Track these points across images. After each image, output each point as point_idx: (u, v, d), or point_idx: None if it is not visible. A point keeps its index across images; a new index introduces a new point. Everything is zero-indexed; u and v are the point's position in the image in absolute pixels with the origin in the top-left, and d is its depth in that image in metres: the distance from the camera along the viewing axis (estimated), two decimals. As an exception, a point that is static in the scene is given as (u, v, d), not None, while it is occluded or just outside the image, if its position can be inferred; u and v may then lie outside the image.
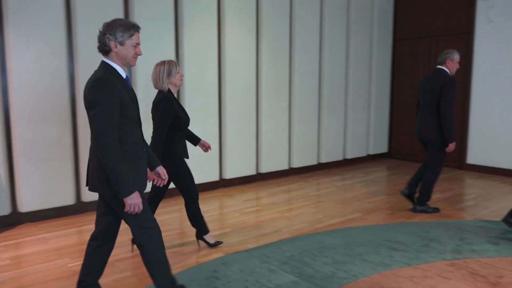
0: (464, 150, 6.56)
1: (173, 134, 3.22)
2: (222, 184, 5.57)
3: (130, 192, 2.20)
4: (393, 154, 7.63)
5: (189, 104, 5.05)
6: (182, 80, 3.30)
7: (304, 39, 6.11)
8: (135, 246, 3.38)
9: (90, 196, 4.44)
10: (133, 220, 2.31)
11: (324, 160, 6.60)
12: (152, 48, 4.68)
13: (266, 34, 5.68)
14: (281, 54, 5.91)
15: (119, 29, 2.26)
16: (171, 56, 4.87)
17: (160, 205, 4.80)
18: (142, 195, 2.31)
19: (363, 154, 7.23)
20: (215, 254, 3.41)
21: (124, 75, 2.34)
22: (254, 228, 4.02)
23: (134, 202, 2.22)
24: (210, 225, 4.05)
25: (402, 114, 7.46)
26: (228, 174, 5.55)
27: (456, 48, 6.56)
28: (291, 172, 6.27)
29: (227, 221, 4.25)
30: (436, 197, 5.04)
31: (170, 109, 3.13)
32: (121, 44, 2.27)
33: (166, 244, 3.64)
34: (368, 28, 6.98)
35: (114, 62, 2.31)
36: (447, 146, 4.21)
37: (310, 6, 6.12)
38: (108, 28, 2.27)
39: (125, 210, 2.24)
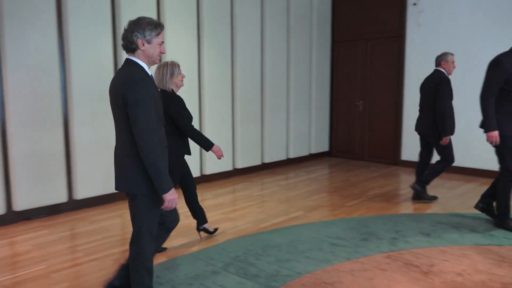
0: (399, 147, 6.92)
1: (178, 132, 3.38)
2: (166, 187, 5.46)
3: (169, 189, 2.28)
4: (333, 153, 7.89)
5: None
6: (183, 80, 3.44)
7: (246, 41, 6.15)
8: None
9: (23, 204, 4.19)
10: (142, 225, 2.37)
11: (267, 160, 6.69)
12: (86, 49, 4.51)
13: (208, 36, 5.66)
14: (223, 56, 5.91)
15: (148, 27, 2.27)
16: (109, 58, 4.72)
17: (101, 210, 4.64)
18: None
19: (305, 153, 7.41)
20: (158, 259, 3.35)
21: (149, 73, 2.34)
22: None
23: (173, 197, 2.30)
24: (153, 230, 3.98)
25: (341, 114, 7.73)
26: (172, 177, 5.46)
27: (389, 50, 6.95)
28: (236, 173, 6.29)
29: (171, 225, 4.17)
30: (374, 193, 5.28)
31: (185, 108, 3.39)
32: (149, 42, 2.28)
33: (106, 252, 3.52)
34: (307, 30, 7.16)
35: (141, 60, 2.32)
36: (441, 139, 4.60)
37: (251, 8, 6.18)
38: (136, 26, 2.26)
39: (164, 206, 2.31)
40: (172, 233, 3.91)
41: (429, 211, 4.53)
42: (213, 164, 5.89)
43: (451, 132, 4.60)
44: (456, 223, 4.10)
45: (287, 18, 6.78)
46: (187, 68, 5.49)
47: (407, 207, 4.69)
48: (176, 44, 5.33)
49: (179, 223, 4.19)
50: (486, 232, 3.84)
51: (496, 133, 3.75)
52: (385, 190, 5.45)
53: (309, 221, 4.23)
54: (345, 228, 3.98)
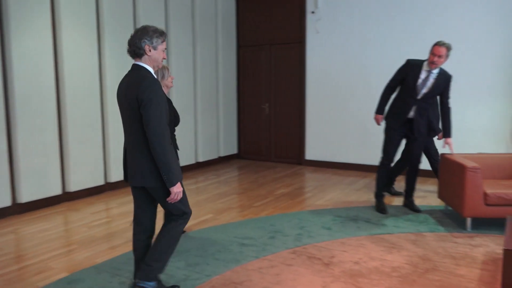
0: (303, 147, 7.29)
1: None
2: (66, 198, 5.14)
3: (177, 182, 2.47)
4: (242, 155, 8.04)
5: (21, 111, 4.54)
6: (172, 82, 3.55)
7: (150, 43, 6.02)
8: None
9: None
10: (173, 206, 2.58)
11: (176, 164, 6.60)
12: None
13: (109, 38, 5.43)
14: (126, 58, 5.70)
15: (155, 35, 2.49)
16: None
17: (-11, 228, 4.22)
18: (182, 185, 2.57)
19: (214, 156, 7.46)
20: (59, 274, 3.14)
21: (155, 76, 2.53)
22: (103, 241, 3.82)
23: (178, 190, 2.49)
24: (51, 244, 3.73)
25: (249, 116, 7.92)
26: (73, 187, 5.15)
27: (291, 55, 7.27)
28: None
29: (72, 238, 3.94)
30: (280, 192, 5.50)
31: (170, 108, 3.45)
32: (155, 48, 2.50)
33: (1, 271, 3.22)
34: (213, 34, 7.22)
35: (147, 65, 2.52)
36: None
37: (155, 10, 6.07)
38: (144, 33, 2.48)
39: (169, 198, 2.50)
40: (74, 246, 3.71)
41: (330, 206, 4.84)
42: (118, 171, 5.67)
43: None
44: (354, 216, 4.43)
45: (192, 21, 6.77)
46: (87, 71, 5.23)
47: (311, 204, 4.96)
48: (73, 45, 5.04)
49: (82, 236, 3.99)
50: (379, 223, 4.21)
51: (378, 116, 4.53)
52: (290, 189, 5.69)
53: (219, 223, 4.28)
54: (253, 228, 4.09)
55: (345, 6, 6.62)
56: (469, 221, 3.96)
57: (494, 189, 3.87)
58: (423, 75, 4.20)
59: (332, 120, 6.93)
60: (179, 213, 2.65)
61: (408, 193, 4.65)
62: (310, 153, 7.23)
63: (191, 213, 2.72)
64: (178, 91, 6.55)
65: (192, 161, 6.97)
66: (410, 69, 4.26)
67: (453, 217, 4.35)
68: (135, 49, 2.50)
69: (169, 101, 3.53)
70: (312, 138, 7.18)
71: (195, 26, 6.82)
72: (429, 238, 3.77)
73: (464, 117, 5.88)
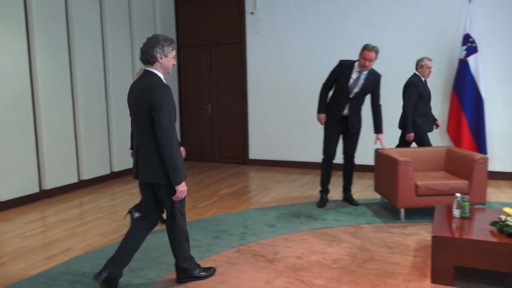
0: (246, 146, 7.35)
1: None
2: (-3, 208, 4.83)
3: (182, 181, 2.65)
4: (186, 156, 7.94)
5: None
6: None
7: (85, 45, 5.80)
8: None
9: None
10: (174, 206, 2.78)
11: (117, 168, 6.42)
12: None
13: (40, 38, 5.17)
14: (59, 59, 5.47)
15: (165, 43, 2.67)
16: None
17: None
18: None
19: (157, 158, 7.31)
20: (-11, 289, 2.96)
21: (165, 82, 2.69)
22: (39, 252, 3.63)
23: (183, 189, 2.68)
24: (-19, 258, 3.50)
25: (191, 117, 7.85)
26: (3, 196, 4.85)
27: (232, 56, 7.30)
28: (82, 185, 5.89)
29: (4, 250, 3.71)
30: (225, 192, 5.51)
31: None
32: (166, 56, 2.68)
33: None
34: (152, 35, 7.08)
35: (158, 71, 2.70)
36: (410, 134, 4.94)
37: (88, 11, 5.85)
38: (155, 42, 2.66)
39: (175, 196, 2.68)
40: (6, 258, 3.50)
41: (274, 204, 4.92)
42: (55, 177, 5.41)
43: (410, 130, 4.91)
44: (297, 212, 4.54)
45: (129, 21, 6.60)
46: (16, 73, 4.94)
47: (255, 203, 5.02)
48: (0, 46, 4.75)
49: (14, 247, 3.77)
50: (320, 217, 4.34)
51: (320, 116, 4.65)
52: (235, 189, 5.72)
53: (162, 227, 4.21)
54: (197, 229, 4.07)
55: (283, 6, 6.76)
56: (402, 211, 4.20)
57: (424, 180, 4.13)
58: (354, 75, 4.40)
59: (274, 119, 7.05)
60: (176, 213, 2.81)
61: (346, 188, 4.84)
62: (254, 153, 7.31)
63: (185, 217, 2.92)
64: (117, 93, 6.36)
65: (134, 165, 6.79)
66: (343, 69, 4.45)
67: (388, 208, 4.58)
68: (148, 56, 2.68)
69: None
70: (255, 138, 7.25)
71: (133, 27, 6.66)
72: (366, 230, 3.95)
73: (396, 113, 6.20)
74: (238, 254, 3.47)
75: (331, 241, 3.69)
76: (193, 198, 5.28)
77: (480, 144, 5.60)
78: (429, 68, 4.89)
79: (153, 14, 7.11)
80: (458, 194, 3.23)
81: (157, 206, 2.90)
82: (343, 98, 4.48)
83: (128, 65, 6.56)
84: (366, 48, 4.26)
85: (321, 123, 4.66)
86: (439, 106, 5.98)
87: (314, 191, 5.40)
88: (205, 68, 7.61)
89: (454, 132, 5.72)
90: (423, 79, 4.92)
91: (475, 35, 5.52)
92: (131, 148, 3.62)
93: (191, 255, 3.00)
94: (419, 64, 4.92)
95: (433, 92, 5.98)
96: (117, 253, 2.83)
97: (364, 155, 6.14)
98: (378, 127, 4.58)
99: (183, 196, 2.71)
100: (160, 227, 3.75)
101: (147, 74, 2.70)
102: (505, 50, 5.59)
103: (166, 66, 2.71)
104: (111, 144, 6.33)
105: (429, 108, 5.00)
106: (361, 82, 4.41)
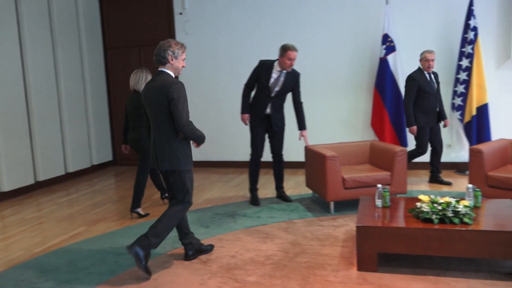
0: (181, 149, 7.25)
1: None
2: None
3: (204, 139, 3.22)
4: (118, 161, 7.71)
5: None
6: None
7: (0, 45, 5.43)
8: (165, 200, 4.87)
9: None
10: (181, 190, 3.17)
11: (42, 177, 6.07)
12: None
13: None
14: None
15: (176, 47, 3.05)
16: None
17: None
18: None
19: (87, 165, 7.02)
20: None
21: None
22: (-47, 272, 3.35)
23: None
24: None
25: (123, 121, 7.59)
26: None
27: (162, 57, 7.15)
28: (2, 197, 5.50)
29: None
30: (158, 196, 5.41)
31: None
32: (176, 58, 3.05)
33: None
34: (75, 36, 6.78)
35: (170, 71, 3.07)
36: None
37: (2, 8, 5.47)
38: (168, 45, 3.03)
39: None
40: None
41: (209, 205, 4.92)
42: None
43: (410, 123, 5.12)
44: (231, 212, 4.57)
45: (49, 21, 6.26)
46: None
47: (190, 205, 4.97)
48: None
49: None
50: (254, 216, 4.41)
51: (244, 116, 4.67)
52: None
53: (92, 236, 4.05)
54: (130, 236, 3.96)
55: (212, 7, 6.76)
56: (332, 204, 4.38)
57: (350, 174, 4.33)
58: (275, 74, 4.50)
59: (208, 119, 7.03)
60: (182, 199, 3.18)
61: (278, 185, 4.94)
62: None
63: (191, 203, 3.26)
64: (38, 97, 6.01)
65: (61, 172, 6.47)
66: (263, 69, 4.53)
67: (319, 202, 4.76)
68: (160, 58, 3.05)
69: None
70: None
71: (53, 26, 6.33)
72: (299, 225, 4.08)
73: (323, 110, 6.46)
74: (172, 258, 3.43)
75: (264, 238, 3.76)
76: (126, 204, 5.13)
77: (401, 137, 5.98)
78: (428, 61, 4.98)
79: (76, 13, 6.80)
80: (379, 185, 3.43)
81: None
82: (265, 97, 4.55)
83: (50, 67, 6.23)
84: (289, 48, 4.36)
85: (245, 123, 4.70)
86: (363, 102, 6.30)
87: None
88: (135, 69, 7.37)
89: (377, 127, 6.05)
90: (426, 72, 5.04)
91: (393, 35, 5.88)
92: (124, 142, 4.59)
93: (191, 232, 3.40)
94: (420, 58, 5.09)
95: (357, 89, 6.31)
96: (155, 229, 3.08)
97: (296, 152, 6.32)
98: (301, 124, 4.71)
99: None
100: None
101: (161, 74, 3.08)
102: (420, 49, 5.99)
103: (176, 67, 3.09)
104: (34, 153, 5.97)
105: (432, 102, 5.06)
106: (281, 81, 4.51)
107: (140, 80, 4.46)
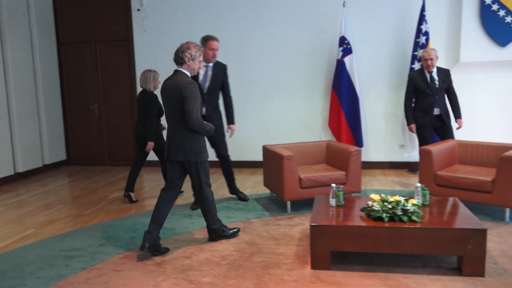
0: (138, 148, 7.10)
1: (155, 120, 4.78)
2: None
3: (212, 130, 3.48)
4: (72, 161, 7.45)
5: None
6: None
7: None
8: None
9: None
10: (201, 179, 3.46)
11: (-11, 178, 5.77)
12: None
13: None
14: None
15: (194, 49, 3.33)
16: None
17: None
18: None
19: (38, 165, 6.75)
20: None
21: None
22: None
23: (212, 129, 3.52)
24: None
25: (77, 119, 7.37)
26: None
27: (118, 53, 7.01)
28: None
29: None
30: (114, 197, 5.28)
31: (158, 103, 4.75)
32: (193, 60, 3.34)
33: None
34: (26, 30, 6.49)
35: (186, 70, 3.36)
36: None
37: None
38: (186, 48, 3.33)
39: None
40: None
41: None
42: None
43: (408, 121, 5.19)
44: (188, 212, 4.52)
45: (-3, 14, 5.97)
46: None
47: (147, 205, 4.89)
48: None
49: None
50: (212, 215, 4.38)
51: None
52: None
53: (42, 238, 3.90)
54: (82, 238, 3.85)
55: (170, 3, 6.66)
56: (289, 204, 4.42)
57: (307, 173, 4.39)
58: (202, 70, 4.41)
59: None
60: (203, 185, 3.48)
61: (230, 185, 4.89)
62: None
63: (210, 187, 3.57)
64: (-15, 94, 5.71)
65: (10, 172, 6.18)
66: None
67: (276, 202, 4.79)
68: (178, 58, 3.35)
69: (155, 97, 4.71)
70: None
71: (2, 19, 6.03)
72: (256, 224, 4.09)
73: (283, 110, 6.51)
74: (125, 260, 3.35)
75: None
76: (78, 204, 4.97)
77: (357, 137, 6.13)
78: (426, 60, 4.87)
79: (27, 7, 6.52)
80: (333, 185, 3.50)
81: (181, 178, 3.52)
82: None
83: (-2, 62, 5.93)
84: (210, 38, 4.29)
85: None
86: (321, 103, 6.41)
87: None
88: (90, 67, 7.19)
89: (334, 127, 6.17)
90: (427, 72, 4.93)
91: (349, 37, 6.01)
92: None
93: (218, 218, 3.66)
94: (420, 57, 5.05)
95: (316, 89, 6.41)
96: (154, 220, 3.41)
97: (255, 152, 6.35)
98: (230, 118, 4.69)
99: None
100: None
101: (177, 73, 3.37)
102: (376, 52, 6.18)
103: (192, 68, 3.39)
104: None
105: (431, 102, 4.94)
106: (210, 75, 4.43)
107: (148, 79, 4.70)
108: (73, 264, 3.29)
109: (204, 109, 4.44)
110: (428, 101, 4.97)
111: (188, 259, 3.32)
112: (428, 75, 4.96)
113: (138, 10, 6.75)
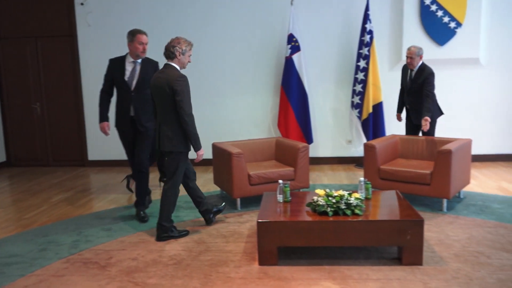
0: (85, 147, 6.86)
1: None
2: None
3: (201, 147, 3.59)
4: (13, 162, 7.07)
5: None
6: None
7: None
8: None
9: None
10: (178, 170, 3.59)
11: None
12: None
13: None
14: None
15: (184, 44, 3.50)
16: None
17: None
18: None
19: (-25, 167, 6.35)
20: None
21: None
22: None
23: (202, 153, 3.62)
24: None
25: (17, 118, 6.99)
26: None
27: (61, 49, 6.73)
28: None
29: None
30: (58, 199, 5.07)
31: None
32: (183, 54, 3.50)
33: None
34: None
35: (176, 65, 3.51)
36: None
37: None
38: (176, 42, 3.49)
39: (196, 159, 3.64)
40: None
41: (114, 206, 4.71)
42: None
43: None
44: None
45: None
46: None
47: (92, 207, 4.73)
48: None
49: None
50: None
51: (103, 124, 4.30)
52: (71, 194, 5.30)
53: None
54: (21, 243, 3.66)
55: (116, -1, 6.46)
56: (238, 201, 4.43)
57: (256, 170, 4.42)
58: (129, 67, 4.10)
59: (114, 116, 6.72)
60: (177, 176, 3.59)
61: (140, 202, 4.30)
62: (94, 153, 6.88)
63: (180, 181, 3.69)
64: None
65: None
66: (114, 66, 4.19)
67: (227, 199, 4.78)
68: (169, 53, 3.48)
69: None
70: (94, 137, 6.81)
71: None
72: (205, 222, 4.06)
73: (233, 107, 6.51)
74: (67, 264, 3.22)
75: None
76: (18, 208, 4.72)
77: (307, 134, 6.24)
78: (407, 57, 4.78)
79: (-42, -1, 6.10)
80: (280, 181, 3.54)
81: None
82: (126, 95, 4.09)
83: None
84: (137, 32, 4.02)
85: (106, 133, 4.30)
86: (270, 100, 6.46)
87: (157, 190, 5.33)
88: (31, 63, 6.84)
89: (284, 124, 6.24)
90: (410, 69, 4.87)
91: (297, 35, 6.09)
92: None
93: (172, 219, 3.68)
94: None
95: (266, 87, 6.45)
96: (197, 202, 3.90)
97: (206, 150, 6.30)
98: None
99: (201, 159, 3.62)
100: None
101: (168, 67, 3.48)
102: (323, 50, 6.31)
103: (182, 62, 3.52)
104: None
105: (409, 99, 4.93)
106: (137, 71, 4.10)
107: None
108: (10, 271, 3.13)
109: (132, 109, 4.09)
110: (407, 98, 4.99)
111: (134, 261, 3.24)
112: (409, 72, 4.91)
113: (82, 4, 6.49)
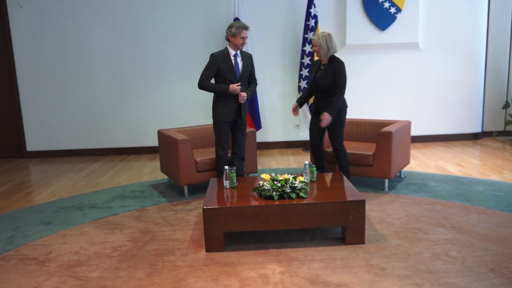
0: (23, 138, 6.49)
1: None
2: None
3: (227, 88, 4.07)
4: None
5: None
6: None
7: None
8: None
9: None
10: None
11: None
12: None
13: None
14: None
15: (235, 27, 3.93)
16: None
17: None
18: None
19: None
20: None
21: (232, 54, 4.05)
22: None
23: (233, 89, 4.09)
24: None
25: None
26: None
27: (-9, 33, 6.24)
28: None
29: None
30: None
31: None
32: (234, 36, 3.95)
33: None
34: None
35: (230, 47, 4.03)
36: None
37: None
38: (229, 26, 3.97)
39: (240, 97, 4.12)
40: None
41: (54, 198, 4.51)
42: None
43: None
44: (79, 204, 4.25)
45: None
46: None
47: (31, 200, 4.49)
48: None
49: None
50: (104, 206, 4.17)
51: None
52: (7, 187, 5.01)
53: None
54: (-50, 242, 3.41)
55: (51, -20, 6.07)
56: (186, 188, 4.37)
57: (203, 156, 4.36)
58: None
59: (54, 104, 6.39)
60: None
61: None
62: (33, 144, 6.52)
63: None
64: None
65: None
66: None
67: (174, 187, 4.71)
68: (225, 36, 4.00)
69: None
70: (32, 127, 6.46)
71: None
72: (151, 211, 3.98)
73: (181, 94, 6.38)
74: (2, 262, 3.05)
75: (113, 229, 3.59)
76: None
77: (255, 119, 6.24)
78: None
79: None
80: (226, 167, 3.51)
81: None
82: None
83: None
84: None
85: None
86: (219, 86, 6.38)
87: (102, 179, 5.16)
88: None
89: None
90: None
91: (243, 19, 6.02)
92: None
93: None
94: None
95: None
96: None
97: (153, 137, 6.16)
98: None
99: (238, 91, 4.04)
100: None
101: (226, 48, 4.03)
102: (268, 35, 6.29)
103: (234, 44, 3.96)
104: None
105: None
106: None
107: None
108: None
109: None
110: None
111: (76, 255, 3.12)
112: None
113: (12, -16, 6.06)
